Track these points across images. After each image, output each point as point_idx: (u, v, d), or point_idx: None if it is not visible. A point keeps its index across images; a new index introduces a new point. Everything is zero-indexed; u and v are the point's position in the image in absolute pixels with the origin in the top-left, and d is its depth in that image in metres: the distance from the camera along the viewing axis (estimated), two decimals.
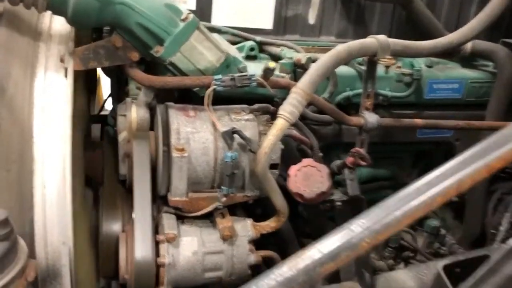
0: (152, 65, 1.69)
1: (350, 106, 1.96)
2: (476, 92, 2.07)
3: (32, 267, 1.12)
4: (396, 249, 2.17)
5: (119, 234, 1.61)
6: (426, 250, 2.22)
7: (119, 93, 2.03)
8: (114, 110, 2.02)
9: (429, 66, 2.06)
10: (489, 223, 2.16)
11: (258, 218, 1.70)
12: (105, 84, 2.86)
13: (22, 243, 1.13)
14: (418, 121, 1.85)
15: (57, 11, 1.43)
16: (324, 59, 1.53)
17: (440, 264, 1.50)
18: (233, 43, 1.91)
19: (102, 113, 2.48)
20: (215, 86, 1.53)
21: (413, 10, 2.09)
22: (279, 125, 1.45)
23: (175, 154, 1.48)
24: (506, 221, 1.90)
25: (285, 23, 2.04)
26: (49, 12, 1.46)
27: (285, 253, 1.83)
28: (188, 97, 1.85)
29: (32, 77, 1.49)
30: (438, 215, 2.37)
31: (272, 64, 1.55)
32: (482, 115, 2.10)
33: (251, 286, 1.03)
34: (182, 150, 1.48)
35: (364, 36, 2.17)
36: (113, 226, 1.79)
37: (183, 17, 1.51)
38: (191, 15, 1.51)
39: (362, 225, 1.09)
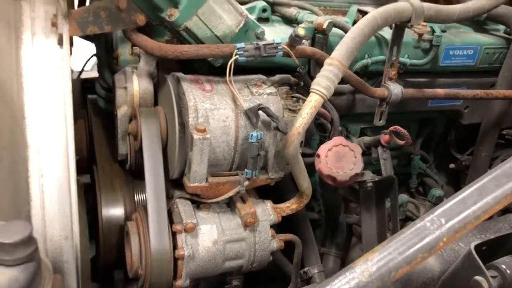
0: (145, 27, 1.45)
1: (365, 74, 1.82)
2: (489, 59, 1.97)
3: (58, 285, 0.93)
4: (401, 221, 2.11)
5: (128, 224, 1.43)
6: None
7: (107, 58, 1.77)
8: (103, 78, 1.78)
9: (443, 31, 1.92)
10: None
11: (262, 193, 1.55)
12: None
13: (45, 260, 0.93)
14: (440, 91, 1.74)
15: None
16: (360, 26, 1.36)
17: (472, 244, 1.46)
18: (240, 2, 1.68)
19: None
20: (237, 56, 1.34)
21: None
22: (315, 103, 1.29)
23: (196, 135, 1.29)
24: None
25: None
26: None
27: (294, 229, 1.72)
28: (190, 64, 1.64)
29: (18, 44, 1.24)
30: (439, 183, 2.33)
31: (301, 30, 1.36)
32: (491, 82, 2.02)
33: None
34: (204, 131, 1.30)
35: None
36: (114, 212, 1.61)
37: None
38: None
39: (438, 222, 0.98)
